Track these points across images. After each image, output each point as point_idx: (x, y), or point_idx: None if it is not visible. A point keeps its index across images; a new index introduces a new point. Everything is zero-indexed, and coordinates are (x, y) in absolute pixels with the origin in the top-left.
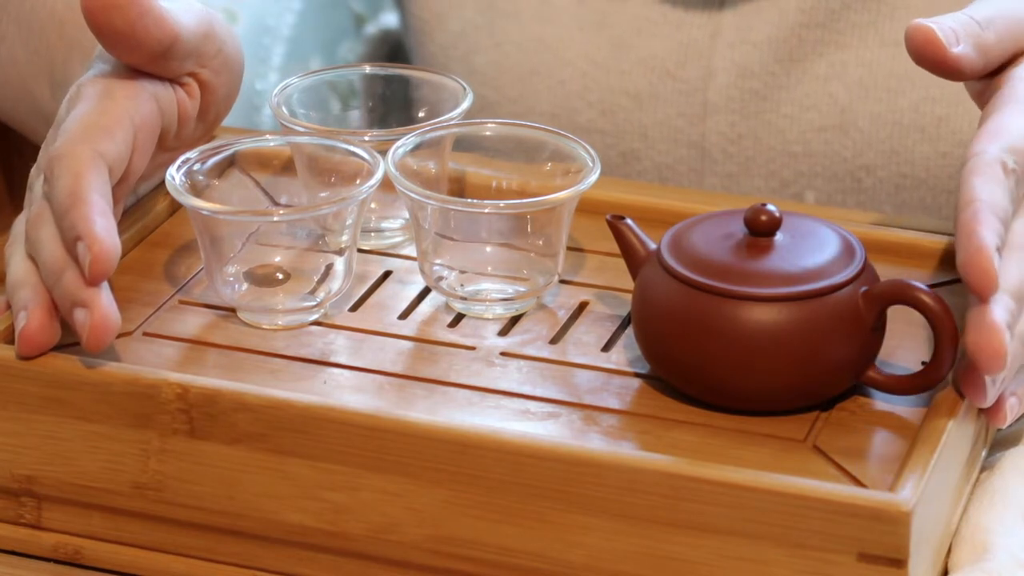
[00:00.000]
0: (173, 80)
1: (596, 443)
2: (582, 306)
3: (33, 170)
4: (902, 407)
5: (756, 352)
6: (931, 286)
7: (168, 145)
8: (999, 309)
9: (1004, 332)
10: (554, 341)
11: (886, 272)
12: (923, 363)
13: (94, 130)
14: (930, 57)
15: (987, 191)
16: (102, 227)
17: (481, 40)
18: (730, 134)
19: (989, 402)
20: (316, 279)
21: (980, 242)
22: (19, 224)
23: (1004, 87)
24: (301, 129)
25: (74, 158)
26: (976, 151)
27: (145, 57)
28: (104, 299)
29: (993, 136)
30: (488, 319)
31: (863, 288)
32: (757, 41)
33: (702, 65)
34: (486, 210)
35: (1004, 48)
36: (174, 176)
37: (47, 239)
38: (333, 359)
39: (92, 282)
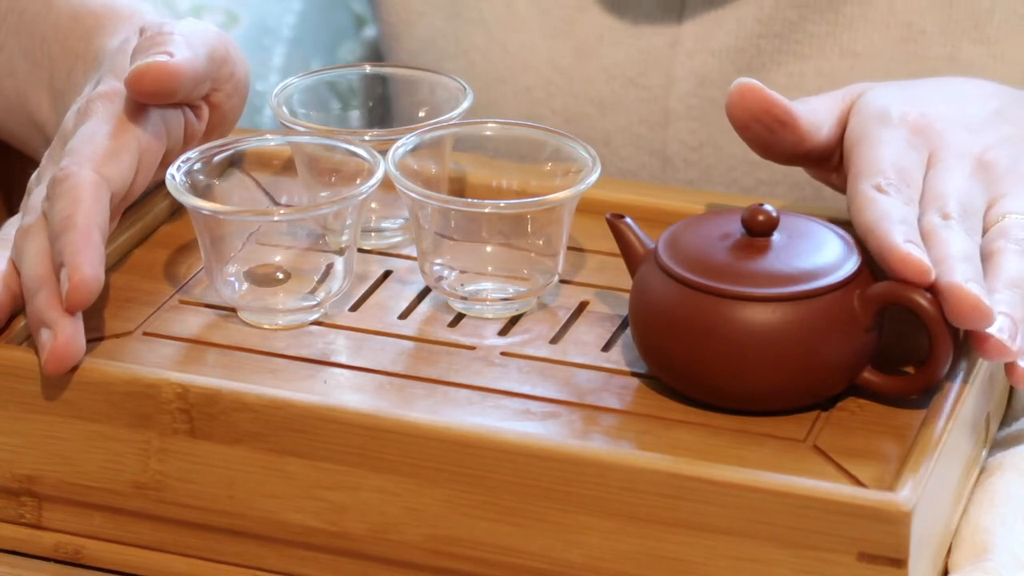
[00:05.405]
0: (185, 102)
1: (596, 443)
2: (582, 306)
3: (33, 177)
4: (902, 407)
5: (751, 352)
6: (927, 287)
7: (171, 162)
8: (956, 272)
9: (966, 285)
10: (554, 341)
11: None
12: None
13: (101, 152)
14: (758, 106)
15: (876, 210)
16: (88, 258)
17: (448, 47)
18: (691, 142)
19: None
20: (316, 279)
21: (892, 242)
22: (9, 227)
23: (850, 121)
24: (301, 129)
25: (77, 181)
26: (851, 193)
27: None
28: (70, 325)
29: (860, 175)
30: (488, 319)
31: (859, 289)
32: (716, 50)
33: (662, 73)
34: (486, 210)
35: (827, 107)
36: (174, 176)
37: (32, 254)
38: (333, 359)
39: (68, 309)
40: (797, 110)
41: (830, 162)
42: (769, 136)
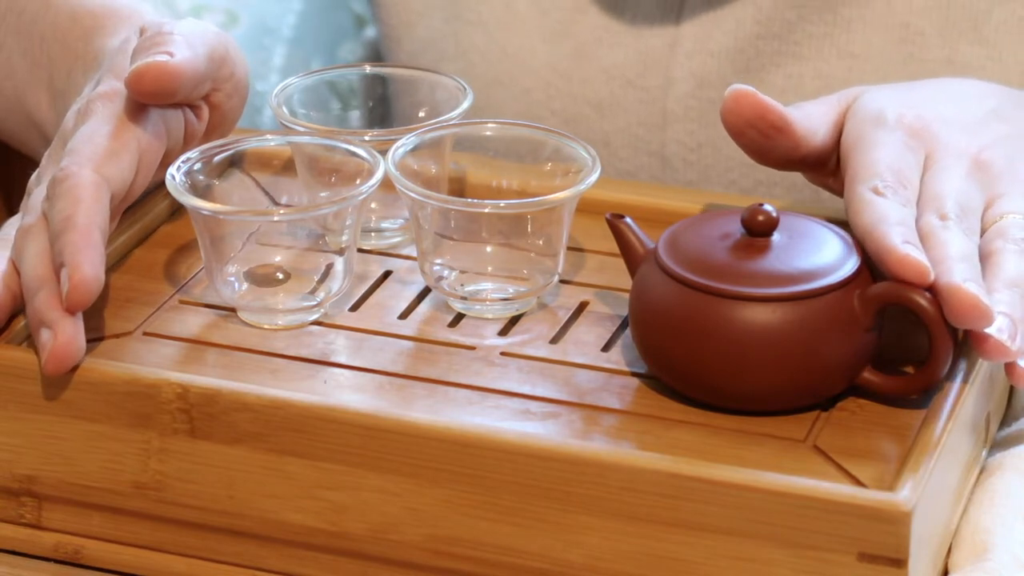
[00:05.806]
0: (185, 102)
1: (596, 443)
2: (582, 306)
3: (33, 177)
4: (902, 407)
5: (750, 352)
6: (926, 288)
7: (171, 162)
8: (955, 272)
9: (964, 285)
10: (554, 341)
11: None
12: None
13: (101, 152)
14: (753, 112)
15: (873, 213)
16: (88, 258)
17: (447, 49)
18: (689, 143)
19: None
20: (316, 279)
21: (890, 244)
22: (9, 227)
23: (846, 125)
24: (301, 129)
25: (77, 181)
26: (848, 197)
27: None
28: (70, 325)
29: (856, 178)
30: (488, 319)
31: (859, 289)
32: (715, 51)
33: (661, 74)
34: (486, 210)
35: (823, 111)
36: (174, 176)
37: (32, 254)
38: (333, 359)
39: (69, 310)
40: (792, 115)
41: (827, 166)
42: (764, 142)
